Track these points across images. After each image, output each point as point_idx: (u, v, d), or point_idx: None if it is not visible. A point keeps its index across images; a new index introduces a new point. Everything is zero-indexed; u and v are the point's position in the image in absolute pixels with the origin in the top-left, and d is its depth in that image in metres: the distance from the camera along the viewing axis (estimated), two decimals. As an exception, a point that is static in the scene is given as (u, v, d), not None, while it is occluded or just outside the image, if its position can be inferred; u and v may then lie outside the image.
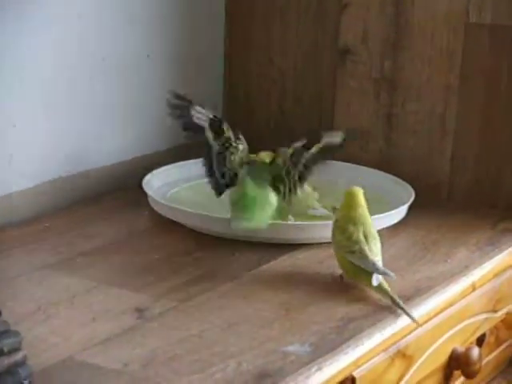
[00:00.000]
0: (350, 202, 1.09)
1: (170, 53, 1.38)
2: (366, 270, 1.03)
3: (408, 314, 0.99)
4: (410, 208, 1.23)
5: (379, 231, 1.18)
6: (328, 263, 1.11)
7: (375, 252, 1.05)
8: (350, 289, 1.04)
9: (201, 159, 1.30)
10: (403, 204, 1.22)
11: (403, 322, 0.99)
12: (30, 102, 1.20)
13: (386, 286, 1.02)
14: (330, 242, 1.13)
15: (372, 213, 1.17)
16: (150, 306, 0.98)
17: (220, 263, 1.10)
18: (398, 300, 1.01)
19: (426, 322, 1.02)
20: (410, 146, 1.35)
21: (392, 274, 1.03)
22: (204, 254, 1.12)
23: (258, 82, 1.45)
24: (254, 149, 1.41)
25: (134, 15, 1.31)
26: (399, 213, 1.21)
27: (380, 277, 1.03)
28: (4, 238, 1.13)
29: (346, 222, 1.07)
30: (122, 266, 1.07)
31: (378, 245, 1.07)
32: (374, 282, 1.02)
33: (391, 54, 1.34)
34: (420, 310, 1.02)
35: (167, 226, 1.18)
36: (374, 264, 1.04)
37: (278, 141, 1.44)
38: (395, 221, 1.21)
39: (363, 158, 1.36)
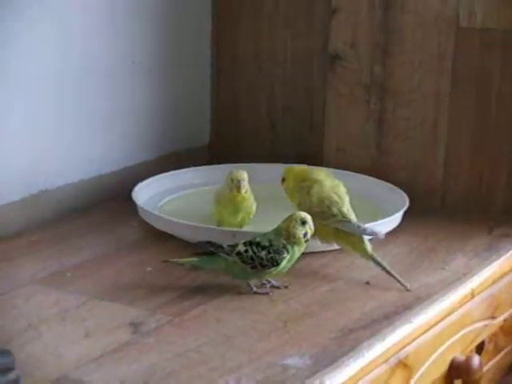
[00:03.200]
0: (294, 177, 1.12)
1: (157, 59, 1.35)
2: (349, 234, 1.03)
3: (401, 283, 1.00)
4: (404, 215, 1.21)
5: (374, 239, 1.16)
6: (323, 272, 1.09)
7: (351, 212, 1.05)
8: (347, 299, 1.02)
9: (187, 169, 1.31)
10: (398, 211, 1.20)
11: (403, 331, 0.97)
12: (15, 112, 1.17)
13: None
14: (324, 252, 1.11)
15: (366, 221, 1.16)
16: (144, 320, 0.95)
17: (214, 275, 1.06)
18: (387, 268, 1.02)
19: (426, 331, 1.00)
20: (402, 152, 1.33)
21: (380, 232, 1.04)
22: (197, 266, 1.10)
23: (247, 88, 1.43)
24: (242, 157, 1.40)
25: (119, 21, 1.29)
26: (394, 220, 1.19)
27: (367, 238, 1.04)
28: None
29: (310, 186, 1.08)
30: (114, 280, 1.05)
31: (349, 206, 1.07)
32: (369, 249, 1.03)
33: (381, 59, 1.32)
34: (420, 319, 1.00)
35: (158, 237, 1.16)
36: (359, 226, 1.03)
37: (266, 149, 1.43)
38: (390, 228, 1.18)
39: (354, 164, 1.35)
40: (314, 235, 1.06)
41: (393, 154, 1.34)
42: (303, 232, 1.03)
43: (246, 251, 1.03)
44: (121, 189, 1.26)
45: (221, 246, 1.03)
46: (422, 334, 0.99)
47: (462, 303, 1.07)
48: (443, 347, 1.04)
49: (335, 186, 1.11)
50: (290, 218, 1.03)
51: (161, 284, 1.04)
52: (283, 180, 1.17)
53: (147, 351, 0.89)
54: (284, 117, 1.41)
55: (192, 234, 1.13)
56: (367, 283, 1.06)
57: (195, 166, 1.35)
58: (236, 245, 1.03)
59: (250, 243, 1.03)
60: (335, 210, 1.06)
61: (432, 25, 1.29)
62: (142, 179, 1.26)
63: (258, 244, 1.03)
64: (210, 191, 1.22)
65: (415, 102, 1.32)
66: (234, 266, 1.03)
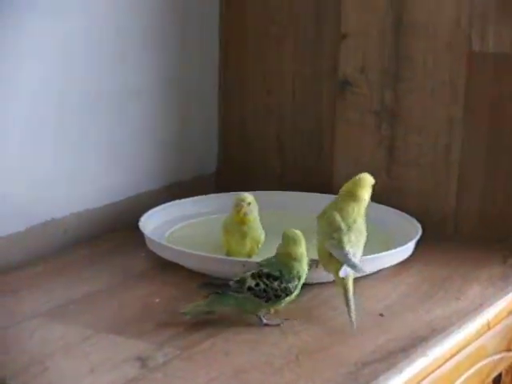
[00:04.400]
0: (347, 189, 1.09)
1: (162, 87, 1.33)
2: (338, 260, 1.02)
3: (351, 319, 0.98)
4: (417, 243, 1.18)
5: (386, 269, 1.14)
6: (332, 304, 1.06)
7: (354, 243, 1.04)
8: (360, 331, 0.99)
9: (195, 197, 1.29)
10: (410, 240, 1.17)
11: (420, 364, 0.94)
12: (18, 142, 1.14)
13: (350, 282, 1.01)
14: (331, 282, 1.08)
15: (378, 250, 1.14)
16: (152, 354, 0.92)
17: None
18: (350, 302, 1.00)
19: (442, 363, 0.97)
20: (414, 179, 1.31)
21: (361, 267, 1.02)
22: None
23: (254, 114, 1.41)
24: (249, 183, 1.37)
25: (125, 48, 1.26)
26: (407, 249, 1.16)
27: (348, 270, 1.01)
28: (-6, 285, 1.08)
29: (334, 209, 1.07)
30: (120, 312, 1.02)
31: (361, 238, 1.05)
32: (341, 273, 1.01)
33: (392, 84, 1.30)
34: (436, 352, 0.97)
35: (166, 267, 1.13)
36: (346, 255, 1.02)
37: (275, 175, 1.41)
38: (403, 257, 1.16)
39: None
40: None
41: (404, 181, 1.31)
42: (300, 250, 1.01)
43: (257, 285, 1.00)
44: (127, 218, 1.23)
45: (226, 285, 1.00)
46: (439, 367, 0.97)
47: (478, 335, 1.04)
48: (460, 380, 1.02)
49: (355, 219, 1.08)
50: (283, 238, 1.02)
51: (169, 316, 1.01)
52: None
53: (156, 387, 0.87)
54: (293, 143, 1.39)
55: (200, 263, 1.10)
56: (381, 315, 1.03)
57: (202, 193, 1.32)
58: (243, 279, 1.00)
59: (258, 275, 1.00)
60: (335, 235, 1.04)
61: (444, 49, 1.26)
62: (148, 208, 1.23)
63: (268, 275, 1.00)
64: (218, 220, 1.20)
65: (427, 127, 1.29)
66: (245, 301, 1.00)
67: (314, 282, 1.09)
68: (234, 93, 1.42)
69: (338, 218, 1.06)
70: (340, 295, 1.02)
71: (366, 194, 1.09)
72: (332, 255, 1.04)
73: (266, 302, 0.99)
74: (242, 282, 1.00)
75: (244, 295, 0.99)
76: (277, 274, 1.00)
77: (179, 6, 1.33)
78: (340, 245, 1.03)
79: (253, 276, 1.00)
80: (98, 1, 1.22)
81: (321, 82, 1.35)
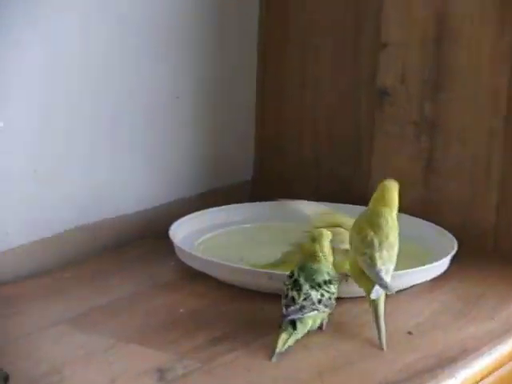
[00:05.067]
0: (377, 199, 1.06)
1: (200, 93, 1.32)
2: (369, 278, 1.00)
3: (380, 341, 0.96)
4: (453, 259, 1.15)
5: (420, 285, 1.11)
6: (363, 319, 1.03)
7: (385, 259, 1.01)
8: (388, 348, 0.96)
9: (228, 206, 1.27)
10: (446, 255, 1.14)
11: (447, 385, 0.91)
12: (50, 146, 1.14)
13: (381, 302, 0.99)
14: (362, 296, 1.06)
15: (412, 265, 1.11)
16: (172, 366, 0.91)
17: (248, 318, 1.02)
18: (380, 323, 0.98)
19: (472, 386, 0.94)
20: (452, 192, 1.27)
21: (392, 288, 0.99)
22: (232, 308, 1.05)
23: (292, 123, 1.39)
24: (284, 192, 1.36)
25: (162, 54, 1.25)
26: (442, 265, 1.13)
27: (380, 290, 0.99)
28: (22, 291, 1.07)
29: (365, 222, 1.04)
30: (144, 322, 1.00)
31: (393, 253, 1.02)
32: (373, 295, 0.99)
33: (432, 95, 1.27)
34: (465, 374, 0.94)
35: (194, 277, 1.11)
36: (378, 273, 0.99)
37: (310, 186, 1.39)
38: (438, 273, 1.13)
39: (401, 204, 1.28)
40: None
41: (443, 194, 1.28)
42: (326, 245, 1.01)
43: (322, 295, 0.98)
44: (158, 226, 1.21)
45: (301, 309, 0.96)
46: (468, 388, 0.94)
47: (511, 357, 1.00)
48: (491, 404, 0.99)
49: (387, 234, 1.04)
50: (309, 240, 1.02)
51: (192, 327, 1.00)
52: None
53: (172, 401, 0.85)
54: (329, 153, 1.37)
55: (227, 274, 1.09)
56: (409, 333, 1.00)
57: (237, 202, 1.30)
58: (307, 297, 0.97)
59: (312, 287, 0.98)
60: (368, 252, 1.02)
61: (486, 59, 1.23)
62: (181, 216, 1.22)
63: (324, 283, 0.99)
64: (250, 229, 1.19)
65: (467, 139, 1.26)
66: (317, 316, 0.98)
67: (344, 296, 1.07)
68: (271, 101, 1.40)
69: (370, 233, 1.03)
70: (370, 312, 1.00)
71: (395, 199, 1.06)
72: (363, 272, 1.02)
73: (331, 308, 0.99)
74: (307, 300, 0.97)
75: (318, 311, 0.97)
76: (327, 277, 0.99)
77: (217, 13, 1.32)
78: (372, 262, 1.01)
79: (311, 287, 0.98)
80: (136, 1, 1.21)
81: (359, 93, 1.32)
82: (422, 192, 1.29)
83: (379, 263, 1.01)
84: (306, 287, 0.98)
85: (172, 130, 1.29)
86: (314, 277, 0.99)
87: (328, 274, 1.00)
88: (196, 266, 1.11)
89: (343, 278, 1.05)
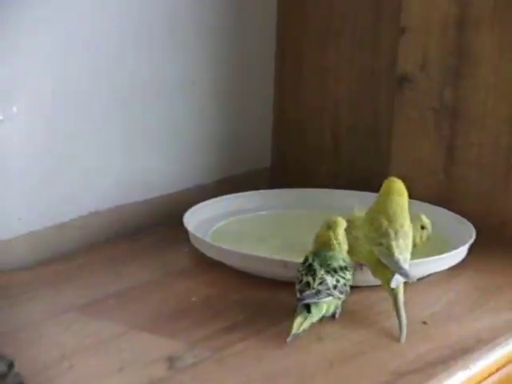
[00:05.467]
0: (386, 191, 1.05)
1: (217, 80, 1.31)
2: (386, 267, 0.99)
3: (401, 331, 0.95)
4: (472, 248, 1.13)
5: (437, 274, 1.10)
6: (379, 308, 1.02)
7: (402, 248, 1.00)
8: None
9: (245, 193, 1.26)
10: (463, 244, 1.13)
11: (460, 377, 0.90)
12: (65, 131, 1.13)
13: (400, 291, 0.98)
14: (377, 286, 1.04)
15: (430, 254, 1.10)
16: (182, 354, 0.90)
17: (261, 307, 1.01)
18: (401, 312, 0.96)
19: (486, 377, 0.92)
20: (473, 180, 1.25)
21: (412, 276, 0.98)
22: (245, 297, 1.04)
23: (311, 110, 1.37)
24: (303, 180, 1.34)
25: (179, 39, 1.24)
26: (459, 254, 1.11)
27: (400, 278, 0.98)
28: (34, 277, 1.07)
29: (377, 213, 1.03)
30: (156, 309, 1.00)
31: (408, 242, 1.01)
32: (393, 284, 0.97)
33: (453, 81, 1.25)
34: (479, 365, 0.92)
35: (208, 265, 1.11)
36: (397, 263, 0.98)
37: (329, 173, 1.37)
38: (455, 262, 1.11)
39: (421, 192, 1.27)
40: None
41: (463, 182, 1.26)
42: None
43: (338, 281, 0.97)
44: (175, 212, 1.20)
45: (317, 293, 0.95)
46: (481, 381, 0.92)
47: (528, 349, 0.99)
48: (506, 396, 0.97)
49: (402, 223, 1.03)
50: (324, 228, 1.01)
51: (204, 316, 0.99)
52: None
53: (181, 390, 0.85)
54: (349, 140, 1.35)
55: (241, 262, 1.08)
56: (424, 323, 0.99)
57: (255, 189, 1.29)
58: (322, 282, 0.96)
59: (327, 272, 0.97)
60: (384, 241, 1.00)
61: (508, 45, 1.21)
62: (197, 203, 1.21)
63: (340, 268, 0.98)
64: (266, 216, 1.17)
65: (488, 127, 1.23)
66: (331, 303, 0.97)
67: (359, 285, 1.05)
68: (290, 87, 1.38)
69: (384, 222, 1.02)
70: (387, 301, 0.99)
71: (404, 189, 1.05)
72: (380, 261, 1.00)
73: (346, 295, 0.98)
74: (322, 284, 0.96)
75: (333, 296, 0.96)
76: (342, 263, 0.98)
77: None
78: (390, 252, 1.00)
79: (327, 273, 0.97)
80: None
81: (379, 79, 1.30)
82: (442, 179, 1.27)
83: (397, 252, 1.00)
84: (321, 272, 0.97)
85: (188, 117, 1.28)
86: (328, 262, 0.98)
87: (343, 260, 0.99)
88: (210, 253, 1.11)
89: (358, 266, 1.04)
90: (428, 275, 1.10)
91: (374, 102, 1.32)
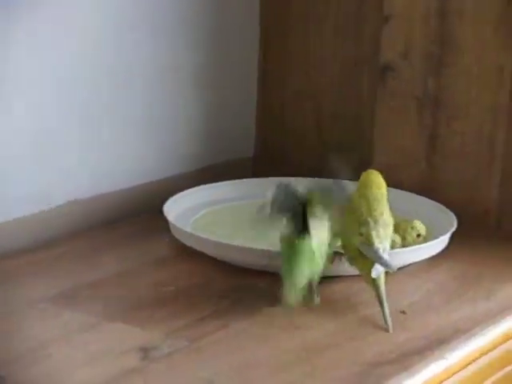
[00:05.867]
0: (364, 184, 1.04)
1: (200, 67, 1.30)
2: (367, 257, 0.98)
3: (386, 322, 0.95)
4: (454, 238, 1.13)
5: (418, 264, 1.09)
6: (358, 298, 1.01)
7: (383, 237, 0.99)
8: (379, 329, 0.95)
9: (226, 182, 1.25)
10: (445, 233, 1.12)
11: (436, 367, 0.89)
12: (43, 117, 1.12)
13: (382, 281, 0.97)
14: (359, 276, 1.04)
15: (411, 242, 1.09)
16: (158, 345, 0.90)
17: (240, 297, 1.01)
18: (383, 302, 0.96)
19: (462, 368, 0.92)
20: (456, 169, 1.25)
21: (393, 266, 0.98)
22: (224, 286, 1.03)
23: (294, 98, 1.36)
24: (287, 168, 1.34)
25: (161, 25, 1.23)
26: (439, 243, 1.11)
27: (380, 269, 0.97)
28: (11, 266, 1.06)
29: (357, 203, 1.02)
30: (132, 299, 0.99)
31: (389, 231, 1.01)
32: (374, 274, 0.97)
33: (435, 70, 1.24)
34: (456, 355, 0.92)
35: (188, 254, 1.10)
36: (376, 252, 0.98)
37: (313, 161, 1.36)
38: (435, 252, 1.11)
39: (403, 181, 1.27)
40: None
41: (445, 172, 1.26)
42: None
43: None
44: (155, 201, 1.19)
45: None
46: (458, 371, 0.92)
47: (505, 338, 0.98)
48: (484, 385, 0.97)
49: (382, 211, 1.03)
50: None
51: (182, 305, 0.98)
52: None
53: (154, 380, 0.84)
54: (332, 129, 1.34)
55: (221, 252, 1.07)
56: (403, 312, 0.99)
57: (238, 178, 1.28)
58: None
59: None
60: (363, 230, 1.00)
61: (491, 34, 1.20)
62: (179, 192, 1.20)
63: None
64: (249, 206, 1.16)
65: (471, 116, 1.23)
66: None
67: (337, 274, 1.05)
68: (273, 76, 1.37)
69: (364, 212, 1.01)
70: (365, 291, 0.99)
71: (382, 180, 1.04)
72: (360, 251, 1.00)
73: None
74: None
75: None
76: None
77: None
78: (370, 241, 0.99)
79: None
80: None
81: (361, 67, 1.30)
82: (425, 168, 1.27)
83: (377, 242, 0.99)
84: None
85: (169, 105, 1.27)
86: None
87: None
88: (189, 243, 1.10)
89: (337, 257, 1.04)
90: (408, 265, 1.09)
91: (356, 91, 1.31)
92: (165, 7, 1.24)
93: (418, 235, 1.12)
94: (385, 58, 1.27)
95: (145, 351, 0.88)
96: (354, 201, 1.03)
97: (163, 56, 1.25)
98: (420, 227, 1.13)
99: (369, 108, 1.30)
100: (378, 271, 0.97)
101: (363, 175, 1.06)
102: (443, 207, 1.19)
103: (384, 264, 0.98)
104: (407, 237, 1.12)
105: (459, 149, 1.25)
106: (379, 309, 0.97)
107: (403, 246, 1.11)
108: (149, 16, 1.22)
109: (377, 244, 0.99)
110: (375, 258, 0.98)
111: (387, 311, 0.96)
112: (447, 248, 1.12)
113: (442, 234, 1.12)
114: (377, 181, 1.04)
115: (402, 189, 1.23)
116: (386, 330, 0.95)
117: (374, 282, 0.98)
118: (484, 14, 1.20)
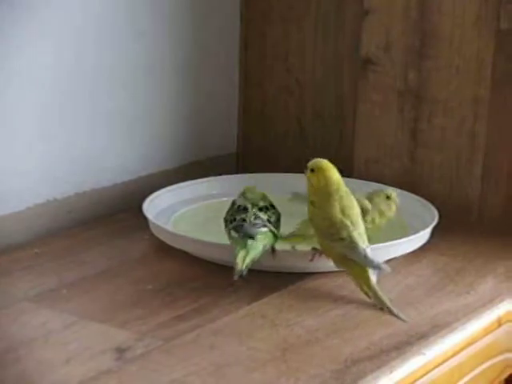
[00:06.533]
0: (321, 179, 1.00)
1: (182, 63, 1.29)
2: (353, 261, 0.98)
3: (397, 316, 0.95)
4: (435, 232, 1.12)
5: (399, 258, 1.09)
6: (335, 295, 1.01)
7: (362, 233, 0.99)
8: (357, 325, 0.94)
9: (208, 178, 1.25)
10: (426, 228, 1.11)
11: (414, 363, 0.89)
12: (23, 116, 1.12)
13: (372, 279, 0.98)
14: (340, 271, 1.03)
15: (392, 237, 1.09)
16: (132, 344, 0.89)
17: (218, 295, 1.00)
18: (383, 298, 0.97)
19: (441, 363, 0.92)
20: (437, 163, 1.24)
21: (386, 267, 0.98)
22: (202, 285, 1.03)
23: (275, 93, 1.36)
24: (269, 165, 1.33)
25: (141, 20, 1.22)
26: (420, 238, 1.10)
27: (377, 272, 0.98)
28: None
29: (323, 205, 0.99)
30: (109, 299, 0.98)
31: (362, 228, 1.00)
32: (374, 280, 0.97)
33: (416, 63, 1.23)
34: (435, 350, 0.91)
35: (168, 252, 1.09)
36: (366, 257, 0.97)
37: (295, 157, 1.36)
38: (417, 246, 1.10)
39: (385, 175, 1.26)
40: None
41: (427, 166, 1.25)
42: None
43: (270, 217, 1.03)
44: (137, 199, 1.18)
45: (254, 225, 1.01)
46: (437, 366, 0.91)
47: (486, 332, 0.97)
48: (463, 381, 0.96)
49: (350, 206, 1.02)
50: None
51: (160, 304, 0.98)
52: (312, 171, 1.01)
53: (127, 380, 0.83)
54: (314, 123, 1.33)
55: (201, 250, 1.07)
56: (381, 309, 0.98)
57: (220, 175, 1.28)
58: (256, 216, 1.02)
59: (260, 210, 1.03)
60: (344, 234, 0.99)
61: (470, 27, 1.19)
62: (161, 189, 1.20)
63: (268, 207, 1.05)
64: (230, 202, 1.15)
65: (452, 109, 1.22)
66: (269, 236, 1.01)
67: (315, 271, 1.04)
68: (254, 72, 1.37)
69: (338, 216, 0.99)
70: (344, 288, 1.00)
71: (337, 175, 1.01)
72: (345, 256, 0.99)
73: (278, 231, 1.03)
74: (256, 218, 1.01)
75: (269, 228, 1.01)
76: (268, 204, 1.05)
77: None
78: (353, 244, 0.98)
79: (259, 211, 1.03)
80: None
81: (342, 61, 1.29)
82: (407, 163, 1.26)
83: (360, 242, 0.98)
84: (253, 210, 1.03)
85: (151, 102, 1.26)
86: (256, 203, 1.04)
87: (269, 203, 1.05)
88: (169, 241, 1.09)
89: (316, 254, 1.03)
90: (390, 259, 1.08)
91: (338, 86, 1.30)
92: (147, 7, 1.23)
93: (388, 197, 1.10)
94: (365, 51, 1.27)
95: (120, 352, 0.87)
96: (320, 206, 1.01)
97: (145, 55, 1.24)
98: (387, 191, 1.11)
99: (350, 103, 1.30)
100: (375, 277, 0.97)
101: (316, 172, 1.00)
102: (425, 201, 1.18)
103: (377, 267, 0.97)
104: (383, 209, 1.10)
105: (440, 143, 1.24)
106: (359, 304, 0.97)
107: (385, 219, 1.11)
108: (129, 15, 1.21)
109: (361, 245, 0.98)
110: (365, 264, 0.97)
111: (389, 304, 0.96)
112: (428, 242, 1.12)
113: (423, 228, 1.11)
114: (331, 176, 1.00)
115: (383, 183, 1.22)
116: (404, 321, 0.94)
117: (373, 290, 0.97)
118: (464, 6, 1.19)
